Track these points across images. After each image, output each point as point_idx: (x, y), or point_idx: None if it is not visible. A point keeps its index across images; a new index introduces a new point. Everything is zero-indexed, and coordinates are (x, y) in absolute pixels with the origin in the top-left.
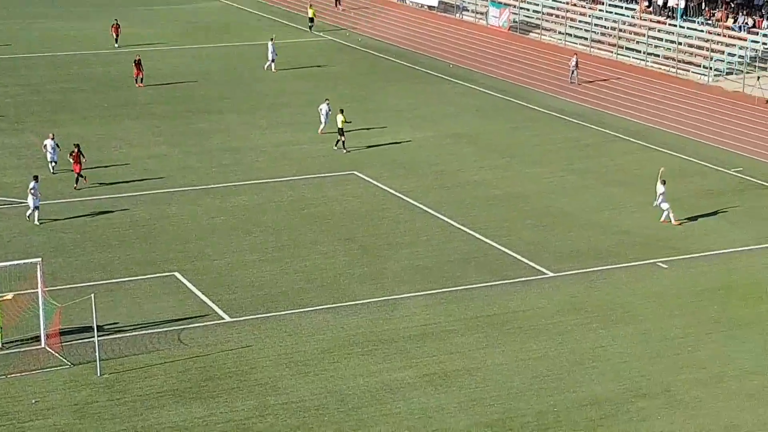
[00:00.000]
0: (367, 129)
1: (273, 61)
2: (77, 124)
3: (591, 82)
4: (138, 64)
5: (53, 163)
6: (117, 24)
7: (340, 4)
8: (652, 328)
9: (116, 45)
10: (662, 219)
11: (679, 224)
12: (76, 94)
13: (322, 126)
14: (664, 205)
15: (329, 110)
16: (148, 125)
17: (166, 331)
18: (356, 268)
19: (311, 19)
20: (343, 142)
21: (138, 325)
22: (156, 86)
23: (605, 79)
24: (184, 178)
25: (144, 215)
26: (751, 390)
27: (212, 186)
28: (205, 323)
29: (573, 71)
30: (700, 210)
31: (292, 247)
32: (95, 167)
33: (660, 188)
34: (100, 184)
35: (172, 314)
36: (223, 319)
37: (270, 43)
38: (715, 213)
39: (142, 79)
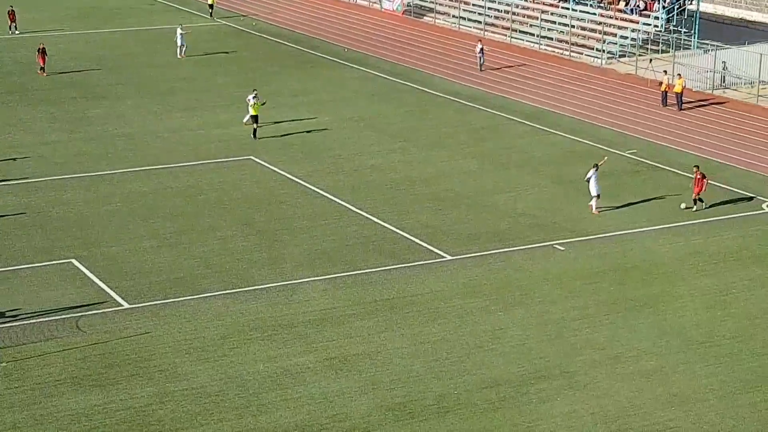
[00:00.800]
0: (264, 114)
1: (182, 46)
2: None
3: (497, 69)
4: (42, 52)
5: None
6: (12, 10)
7: None
8: (550, 310)
9: (17, 32)
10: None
11: (598, 213)
12: None
13: (247, 117)
14: (593, 190)
15: (255, 100)
16: (42, 112)
17: (64, 318)
18: (255, 253)
19: (211, 6)
20: (255, 130)
21: (35, 312)
22: (50, 73)
23: (510, 66)
24: (79, 164)
25: (39, 202)
26: (648, 370)
27: (108, 172)
28: (104, 310)
29: (480, 57)
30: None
31: (190, 232)
32: None
33: (590, 172)
34: None
35: (70, 301)
36: (121, 305)
37: (179, 29)
38: (610, 195)
39: (43, 68)
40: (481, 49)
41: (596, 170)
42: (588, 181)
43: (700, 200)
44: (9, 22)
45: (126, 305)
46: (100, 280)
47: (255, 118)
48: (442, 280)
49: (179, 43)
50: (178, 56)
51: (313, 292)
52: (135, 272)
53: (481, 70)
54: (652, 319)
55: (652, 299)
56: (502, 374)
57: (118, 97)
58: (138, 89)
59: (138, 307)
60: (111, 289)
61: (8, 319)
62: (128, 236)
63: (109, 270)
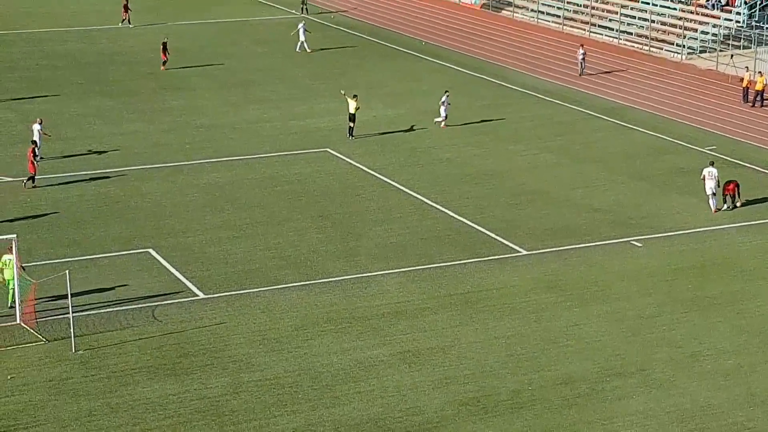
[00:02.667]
0: (339, 105)
1: (305, 41)
2: (51, 101)
3: (593, 72)
4: (164, 47)
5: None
6: (126, 3)
7: None
8: (626, 307)
9: (129, 24)
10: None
11: (716, 212)
12: (49, 71)
13: (440, 118)
14: (708, 189)
15: (448, 102)
16: (121, 102)
17: (141, 307)
18: (329, 245)
19: (304, 1)
20: (352, 128)
21: (112, 301)
22: (130, 63)
23: (590, 61)
24: (157, 155)
25: (118, 192)
26: (726, 369)
27: (186, 163)
28: (179, 300)
29: (581, 63)
30: (674, 188)
31: (266, 224)
32: (71, 145)
33: (713, 171)
34: (65, 156)
35: (147, 291)
36: (197, 295)
37: (300, 24)
38: (689, 191)
39: (165, 62)
40: (584, 54)
41: (713, 167)
42: (703, 180)
43: (732, 197)
44: (124, 16)
45: (202, 295)
46: (177, 270)
47: (352, 117)
48: (517, 275)
49: (301, 38)
50: (297, 50)
51: (388, 284)
52: (211, 262)
53: (581, 75)
54: (732, 317)
55: (731, 297)
56: (577, 371)
57: (195, 88)
58: (216, 81)
59: (213, 297)
60: (187, 279)
61: (86, 308)
62: (205, 227)
63: (186, 260)
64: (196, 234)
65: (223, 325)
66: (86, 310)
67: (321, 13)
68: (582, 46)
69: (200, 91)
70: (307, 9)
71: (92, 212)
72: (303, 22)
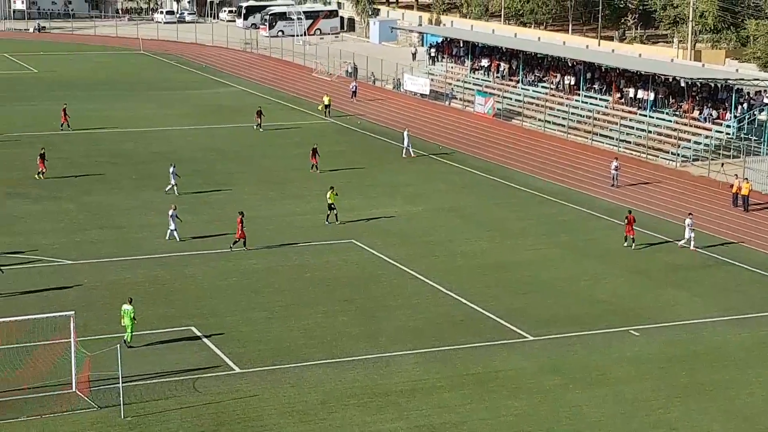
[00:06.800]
0: (365, 201)
1: (409, 146)
2: (108, 193)
3: (579, 168)
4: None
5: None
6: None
7: (355, 96)
8: (625, 391)
9: (260, 129)
10: (681, 243)
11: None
12: (107, 167)
13: (684, 241)
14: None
15: (692, 223)
16: (170, 196)
17: (182, 379)
18: (354, 328)
19: (327, 106)
20: (335, 215)
21: (157, 373)
22: (176, 161)
23: (591, 165)
24: (202, 243)
25: (165, 275)
26: None
27: (226, 250)
28: (217, 373)
29: (614, 174)
30: (668, 283)
31: (296, 306)
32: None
33: (688, 221)
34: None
35: (188, 364)
36: (233, 369)
37: (405, 132)
38: (682, 286)
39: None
40: (617, 167)
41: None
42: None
43: (632, 240)
44: (256, 118)
45: (237, 369)
46: (215, 346)
47: (330, 206)
48: (524, 359)
49: (405, 144)
50: (403, 156)
51: (406, 364)
52: (246, 340)
53: (612, 186)
54: (722, 402)
55: (722, 384)
56: None
57: (235, 184)
58: (254, 177)
59: (248, 371)
60: (224, 354)
61: (134, 378)
62: (241, 308)
63: (224, 337)
64: (234, 314)
65: (256, 397)
66: (134, 380)
67: (342, 116)
68: (616, 158)
69: (240, 187)
70: (329, 112)
71: (141, 293)
72: (407, 129)
